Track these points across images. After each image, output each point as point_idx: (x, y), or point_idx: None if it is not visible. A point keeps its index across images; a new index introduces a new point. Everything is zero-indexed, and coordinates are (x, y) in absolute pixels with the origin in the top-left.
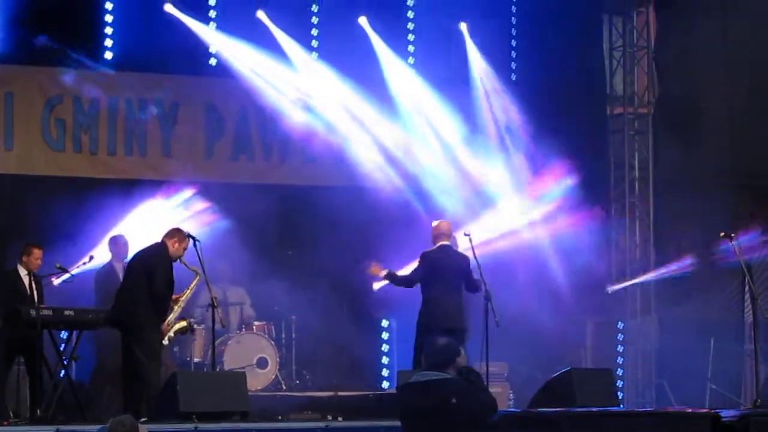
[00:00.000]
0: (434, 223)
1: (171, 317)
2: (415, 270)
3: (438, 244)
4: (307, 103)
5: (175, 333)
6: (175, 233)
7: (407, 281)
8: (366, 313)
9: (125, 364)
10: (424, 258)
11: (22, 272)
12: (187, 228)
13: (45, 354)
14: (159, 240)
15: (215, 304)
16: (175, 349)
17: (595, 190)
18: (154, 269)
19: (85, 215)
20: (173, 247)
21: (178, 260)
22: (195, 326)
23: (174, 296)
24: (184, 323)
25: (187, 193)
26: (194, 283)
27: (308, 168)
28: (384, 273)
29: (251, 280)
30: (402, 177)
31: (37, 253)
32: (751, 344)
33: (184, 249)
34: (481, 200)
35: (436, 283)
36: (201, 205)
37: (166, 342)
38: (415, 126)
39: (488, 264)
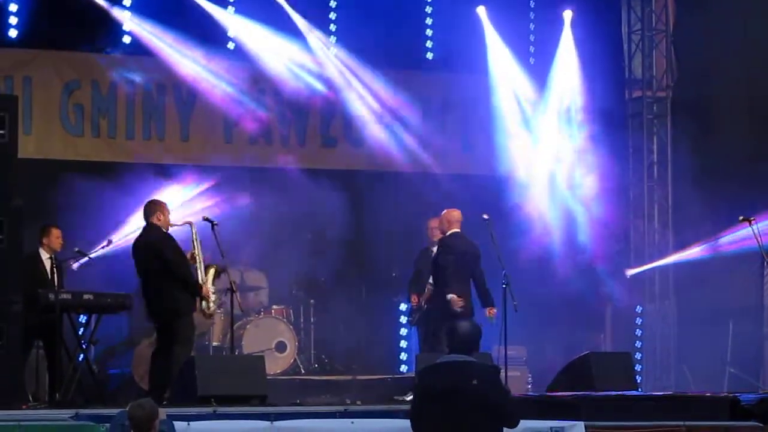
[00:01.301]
0: (445, 212)
1: (200, 275)
2: (446, 260)
3: (451, 231)
4: (327, 86)
5: (214, 283)
6: (153, 206)
7: (447, 273)
8: (384, 297)
9: (160, 353)
10: (450, 246)
11: (44, 255)
12: (204, 212)
13: (64, 338)
14: (146, 221)
15: (234, 289)
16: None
17: (614, 173)
18: (161, 253)
19: (104, 200)
20: (159, 220)
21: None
22: (223, 265)
23: (187, 254)
24: (212, 270)
25: (205, 177)
26: (194, 233)
27: (326, 152)
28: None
29: (270, 265)
30: (421, 160)
31: (56, 232)
32: None
33: (169, 214)
34: (506, 186)
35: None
36: (219, 188)
37: (213, 298)
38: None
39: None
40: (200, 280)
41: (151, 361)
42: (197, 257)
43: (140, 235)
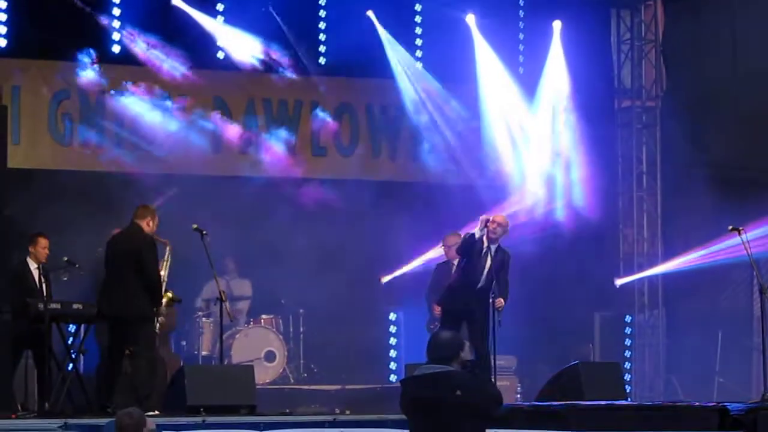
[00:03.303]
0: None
1: None
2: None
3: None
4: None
5: (166, 308)
6: (146, 211)
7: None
8: (374, 306)
9: (115, 356)
10: (470, 243)
11: (32, 265)
12: (193, 221)
13: (53, 347)
14: (132, 222)
15: (223, 298)
16: (183, 342)
17: (603, 183)
18: (141, 256)
19: (92, 210)
20: (148, 226)
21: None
22: (179, 298)
23: None
24: (169, 294)
25: (194, 186)
26: (168, 254)
27: (316, 161)
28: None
29: (257, 273)
30: (410, 169)
31: (42, 242)
32: (759, 338)
33: (157, 225)
34: (491, 194)
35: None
36: (207, 198)
37: (161, 320)
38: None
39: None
40: None
41: (106, 373)
42: (163, 278)
43: (123, 233)
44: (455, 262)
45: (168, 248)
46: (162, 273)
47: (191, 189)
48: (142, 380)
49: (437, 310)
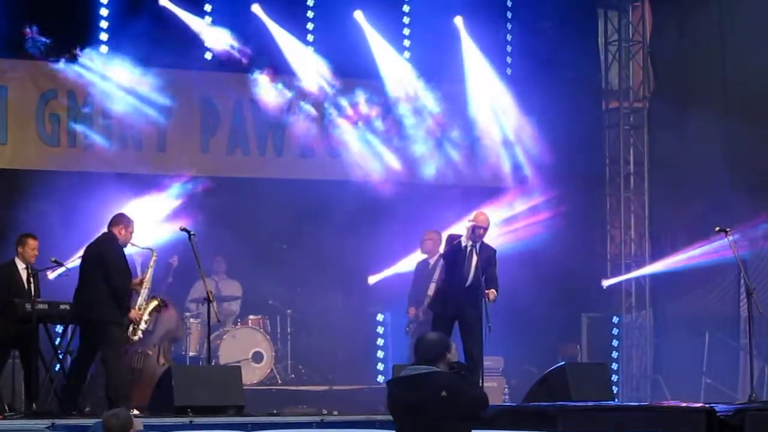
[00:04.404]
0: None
1: (140, 300)
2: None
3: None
4: (302, 97)
5: (150, 314)
6: (120, 219)
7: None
8: (361, 307)
9: (84, 359)
10: (456, 250)
11: (20, 265)
12: (182, 222)
13: (40, 348)
14: (107, 229)
15: (211, 299)
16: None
17: (591, 184)
18: (106, 262)
19: (80, 210)
20: (120, 234)
21: (129, 245)
22: (166, 302)
23: (137, 279)
24: (155, 302)
25: (182, 187)
26: (152, 260)
27: (304, 162)
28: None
29: (246, 274)
30: (397, 170)
31: (31, 243)
32: (746, 339)
33: (132, 233)
34: (480, 194)
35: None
36: (196, 198)
37: (143, 326)
38: (408, 119)
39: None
40: (138, 306)
41: (74, 374)
42: (145, 284)
43: (96, 240)
44: (433, 260)
45: (153, 256)
46: (145, 280)
47: (181, 189)
48: (113, 383)
49: (412, 312)
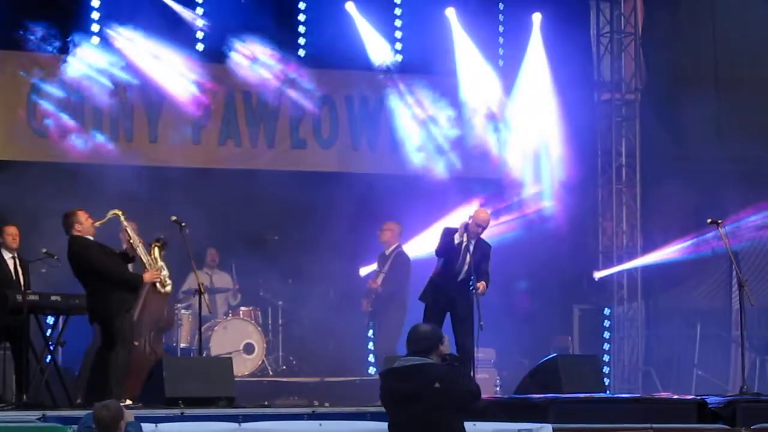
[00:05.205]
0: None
1: (145, 259)
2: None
3: None
4: (295, 88)
5: (162, 259)
6: (70, 217)
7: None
8: (353, 299)
9: (98, 354)
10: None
11: (6, 255)
12: (174, 213)
13: (31, 339)
14: (67, 235)
15: (202, 290)
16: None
17: (583, 175)
18: (89, 262)
19: (72, 201)
20: (80, 230)
21: (94, 228)
22: (165, 240)
23: (125, 247)
24: (156, 248)
25: (175, 178)
26: (123, 221)
27: (296, 154)
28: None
29: (238, 266)
30: (392, 166)
31: (10, 230)
32: (738, 331)
33: (87, 218)
34: (473, 186)
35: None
36: (190, 190)
37: (165, 273)
38: (402, 113)
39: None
40: (148, 265)
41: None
42: (135, 244)
43: (67, 251)
44: (389, 251)
45: (122, 218)
46: (132, 240)
47: (171, 180)
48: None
49: (364, 304)
